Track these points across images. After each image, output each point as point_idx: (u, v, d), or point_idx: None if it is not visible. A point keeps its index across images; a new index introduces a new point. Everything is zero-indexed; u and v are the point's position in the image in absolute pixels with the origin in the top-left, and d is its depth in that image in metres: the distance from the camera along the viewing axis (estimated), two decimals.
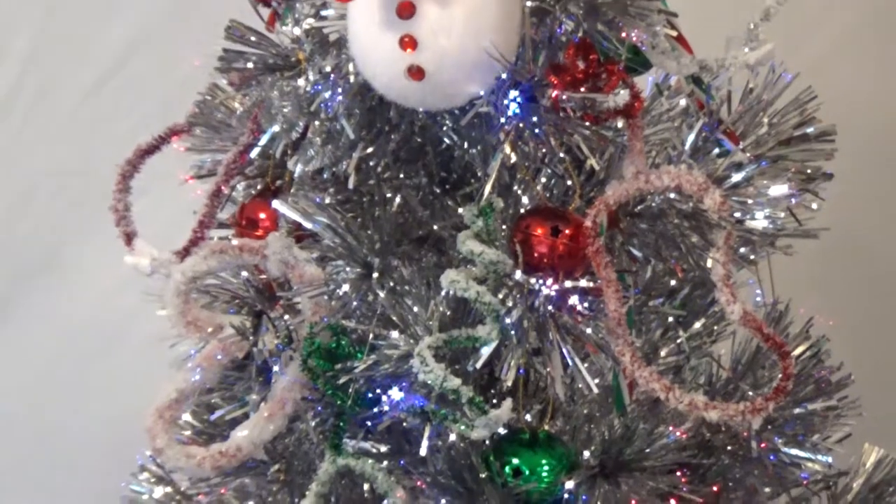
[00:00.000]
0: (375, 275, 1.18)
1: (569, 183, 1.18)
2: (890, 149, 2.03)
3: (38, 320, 2.14)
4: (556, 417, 1.20)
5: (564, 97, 1.14)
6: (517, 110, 1.15)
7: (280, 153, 1.29)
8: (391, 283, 1.17)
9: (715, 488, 1.27)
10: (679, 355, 1.25)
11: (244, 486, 1.33)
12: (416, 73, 1.09)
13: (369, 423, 1.20)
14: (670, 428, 1.19)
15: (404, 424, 1.18)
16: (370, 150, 1.22)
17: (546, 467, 1.15)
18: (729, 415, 1.12)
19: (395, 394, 1.16)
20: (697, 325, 1.27)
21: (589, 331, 1.13)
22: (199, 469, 1.20)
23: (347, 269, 1.19)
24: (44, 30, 2.15)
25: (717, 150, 1.20)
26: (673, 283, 1.26)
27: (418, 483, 1.20)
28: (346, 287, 1.18)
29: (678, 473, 1.19)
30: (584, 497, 1.15)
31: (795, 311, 1.31)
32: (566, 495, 1.16)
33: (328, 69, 1.20)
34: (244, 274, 1.28)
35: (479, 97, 1.14)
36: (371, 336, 1.16)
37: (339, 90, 1.20)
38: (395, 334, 1.14)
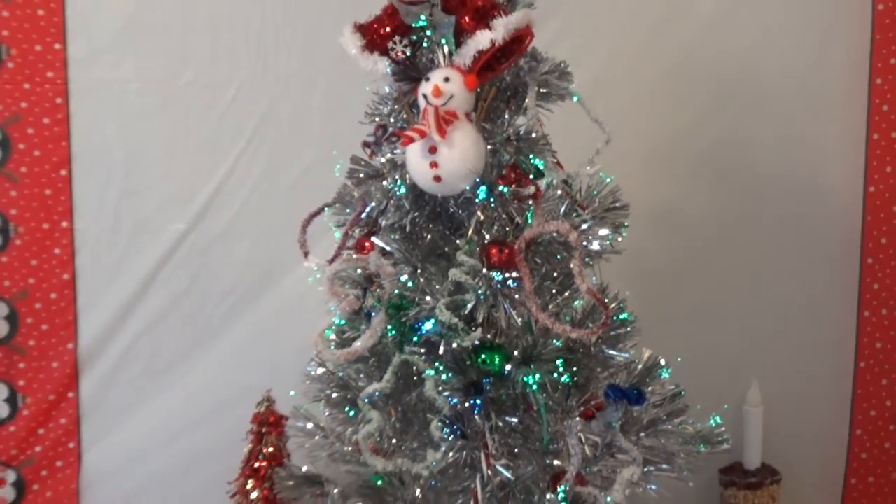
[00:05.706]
0: (419, 271, 1.18)
1: (507, 229, 1.17)
2: (656, 210, 1.99)
3: (268, 299, 2.04)
4: (502, 335, 1.19)
5: (506, 190, 1.13)
6: (483, 196, 1.14)
7: (375, 215, 1.28)
8: (426, 275, 1.16)
9: (574, 369, 1.25)
10: (558, 307, 1.24)
11: (359, 369, 1.32)
12: (437, 179, 1.10)
13: (416, 339, 1.18)
14: (554, 341, 1.17)
15: (432, 339, 1.17)
16: (416, 213, 1.22)
17: (497, 359, 1.14)
18: (582, 335, 1.12)
19: (428, 325, 1.15)
20: (566, 293, 1.25)
21: (517, 297, 1.13)
22: (338, 360, 1.19)
23: (406, 268, 1.18)
24: (274, 152, 1.96)
25: (575, 214, 1.19)
26: (555, 274, 1.25)
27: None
28: (405, 276, 1.17)
29: (557, 362, 1.17)
30: (515, 373, 1.14)
31: (611, 287, 1.30)
32: (506, 372, 1.14)
33: (397, 177, 1.20)
34: (359, 271, 1.27)
35: (466, 189, 1.13)
36: (416, 298, 1.15)
37: (403, 186, 1.19)
38: (428, 298, 1.14)
